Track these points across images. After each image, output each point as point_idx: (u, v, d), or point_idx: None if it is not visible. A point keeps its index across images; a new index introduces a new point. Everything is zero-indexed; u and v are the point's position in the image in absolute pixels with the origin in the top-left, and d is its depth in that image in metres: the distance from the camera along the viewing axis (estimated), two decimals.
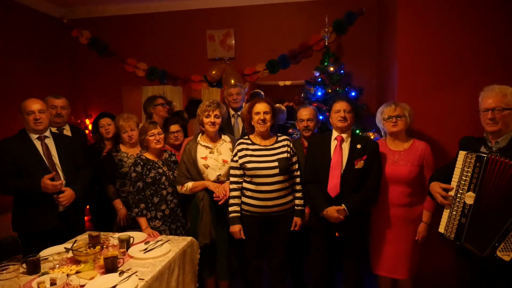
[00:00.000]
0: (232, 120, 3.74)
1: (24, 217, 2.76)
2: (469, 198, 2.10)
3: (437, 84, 3.06)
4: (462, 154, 2.17)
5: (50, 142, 2.86)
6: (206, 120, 2.86)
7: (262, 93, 4.88)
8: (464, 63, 3.00)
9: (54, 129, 3.23)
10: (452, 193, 2.19)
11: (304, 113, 3.12)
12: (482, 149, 2.21)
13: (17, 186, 2.70)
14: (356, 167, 2.57)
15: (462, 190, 2.13)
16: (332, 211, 2.56)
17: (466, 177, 2.12)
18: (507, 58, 2.93)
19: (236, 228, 2.76)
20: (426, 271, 3.06)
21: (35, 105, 2.76)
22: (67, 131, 3.45)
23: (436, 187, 2.28)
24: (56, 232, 2.74)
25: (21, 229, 2.81)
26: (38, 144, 2.79)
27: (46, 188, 2.65)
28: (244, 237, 2.78)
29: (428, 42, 3.06)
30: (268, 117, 2.75)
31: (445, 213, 2.24)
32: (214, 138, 2.95)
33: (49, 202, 2.74)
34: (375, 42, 4.41)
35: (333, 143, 2.69)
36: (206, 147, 2.91)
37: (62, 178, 2.80)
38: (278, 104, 4.54)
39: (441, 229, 2.24)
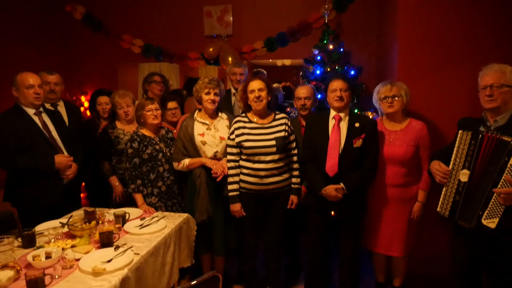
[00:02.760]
0: (233, 98, 3.70)
1: (27, 193, 2.73)
2: (464, 175, 2.11)
3: (437, 64, 3.01)
4: (459, 133, 2.17)
5: (46, 118, 2.85)
6: (205, 97, 2.82)
7: (265, 71, 4.82)
8: (464, 43, 2.96)
9: (48, 105, 3.19)
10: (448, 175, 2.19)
11: (302, 91, 3.08)
12: (481, 128, 2.20)
13: (27, 163, 2.66)
14: (354, 146, 2.56)
15: (457, 168, 2.14)
16: (330, 190, 2.55)
17: (461, 155, 2.13)
18: (508, 39, 2.89)
19: (237, 207, 2.76)
20: (421, 251, 3.08)
21: (34, 79, 2.73)
22: (61, 107, 3.41)
23: (435, 164, 2.28)
24: (60, 207, 2.74)
25: (23, 205, 2.79)
26: (36, 119, 2.77)
27: (61, 164, 2.72)
28: (245, 214, 2.78)
29: (429, 21, 3.00)
30: (263, 94, 2.72)
31: (443, 192, 2.25)
32: (212, 115, 2.93)
33: (54, 176, 2.75)
34: (375, 20, 4.33)
35: (331, 122, 2.66)
36: (203, 123, 2.88)
37: (65, 152, 2.82)
38: (275, 84, 4.48)
39: (438, 207, 2.25)
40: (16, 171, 2.75)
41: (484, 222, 2.00)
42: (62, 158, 2.73)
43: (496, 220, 1.97)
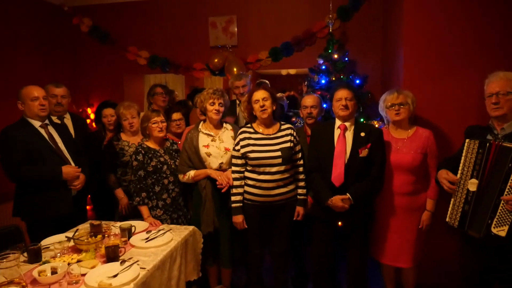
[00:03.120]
0: (238, 109, 3.70)
1: (36, 204, 2.73)
2: (472, 185, 2.08)
3: (443, 71, 3.00)
4: (466, 141, 2.15)
5: (52, 130, 2.87)
6: (210, 107, 2.82)
7: (267, 82, 4.83)
8: (470, 50, 2.94)
9: (54, 118, 3.21)
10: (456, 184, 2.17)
11: (308, 100, 3.07)
12: (488, 137, 2.18)
13: (34, 173, 2.69)
14: (360, 155, 2.53)
15: (465, 177, 2.12)
16: (337, 201, 2.53)
17: (469, 164, 2.11)
18: None
19: (239, 219, 2.74)
20: (430, 260, 3.04)
21: (38, 91, 2.77)
22: (67, 120, 3.43)
23: (443, 173, 2.26)
24: (68, 217, 2.76)
25: (32, 217, 2.79)
26: (42, 131, 2.79)
27: (68, 174, 2.74)
28: (247, 227, 2.76)
29: (434, 28, 2.99)
30: (267, 103, 2.71)
31: (451, 202, 2.22)
32: (217, 126, 2.92)
33: (63, 187, 2.76)
34: (380, 29, 4.33)
35: (336, 132, 2.65)
36: (208, 135, 2.87)
37: (72, 163, 2.84)
38: (279, 94, 4.47)
39: (447, 218, 2.22)
40: (24, 181, 2.75)
41: (494, 230, 1.97)
42: (70, 169, 2.75)
43: (506, 228, 1.94)
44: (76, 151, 2.96)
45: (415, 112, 2.77)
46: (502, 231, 1.95)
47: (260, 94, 2.73)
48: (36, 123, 2.78)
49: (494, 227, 1.97)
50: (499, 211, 1.96)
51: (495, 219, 1.97)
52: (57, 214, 2.75)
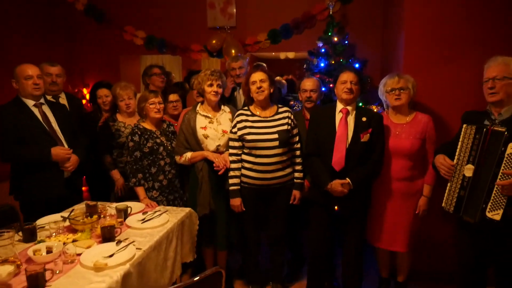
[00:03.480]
0: (235, 92, 3.65)
1: (28, 186, 2.73)
2: (468, 170, 2.08)
3: (444, 56, 2.98)
4: (463, 127, 2.14)
5: (46, 109, 2.82)
6: (208, 89, 2.79)
7: (264, 65, 4.76)
8: (471, 35, 2.92)
9: (49, 97, 3.16)
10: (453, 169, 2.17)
11: (308, 83, 3.04)
12: (486, 122, 2.16)
13: (24, 154, 2.66)
14: (362, 140, 2.52)
15: (461, 163, 2.12)
16: (336, 185, 2.52)
17: (466, 150, 2.10)
18: None
19: (237, 202, 2.74)
20: (425, 245, 3.06)
21: (32, 70, 2.71)
22: (62, 100, 3.38)
23: (441, 158, 2.25)
24: (61, 199, 2.73)
25: (24, 198, 2.79)
26: (36, 111, 2.75)
27: (58, 156, 2.68)
28: (244, 209, 2.76)
29: (435, 14, 2.96)
30: (264, 85, 2.68)
31: (448, 187, 2.22)
32: (215, 108, 2.89)
33: (55, 169, 2.73)
34: (381, 12, 4.26)
35: (338, 116, 2.62)
36: (206, 117, 2.85)
37: (65, 145, 2.80)
38: (278, 77, 4.42)
39: (443, 203, 2.22)
40: (15, 162, 2.74)
41: (488, 215, 1.98)
42: (59, 150, 2.70)
43: (501, 211, 1.95)
44: (71, 131, 2.92)
45: (415, 97, 2.75)
46: (496, 215, 1.95)
47: (257, 76, 2.70)
48: (30, 102, 2.73)
49: (488, 211, 1.98)
50: (493, 195, 1.96)
51: (490, 204, 1.97)
52: (49, 196, 2.73)
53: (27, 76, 2.67)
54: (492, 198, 1.97)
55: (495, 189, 1.96)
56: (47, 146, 2.67)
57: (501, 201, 1.94)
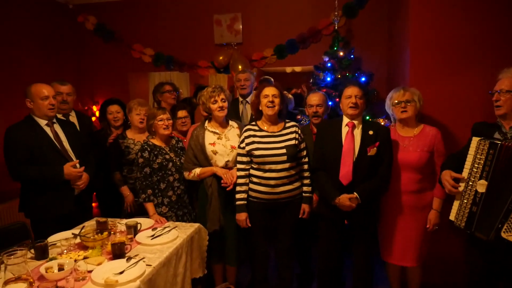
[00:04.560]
0: (241, 107, 3.69)
1: (39, 203, 2.74)
2: (481, 186, 2.03)
3: (449, 69, 2.98)
4: (475, 140, 2.09)
5: (58, 128, 2.86)
6: (214, 106, 2.82)
7: (272, 79, 4.81)
8: (476, 47, 2.92)
9: (60, 116, 3.22)
10: (462, 184, 2.13)
11: (314, 98, 3.06)
12: (496, 135, 2.14)
13: (36, 174, 2.67)
14: (368, 154, 2.52)
15: (474, 178, 2.07)
16: (344, 199, 2.51)
17: (478, 165, 2.05)
18: None
19: (242, 217, 2.74)
20: (435, 259, 3.02)
21: (48, 90, 2.76)
22: (72, 117, 3.44)
23: (446, 175, 2.22)
24: (71, 216, 2.75)
25: (35, 215, 2.79)
26: (48, 130, 2.78)
27: (70, 175, 2.71)
28: (250, 225, 2.76)
29: (440, 25, 2.97)
30: (276, 100, 2.70)
31: (456, 201, 2.18)
32: (222, 124, 2.92)
33: (65, 186, 2.75)
34: (386, 26, 4.30)
35: (344, 130, 2.63)
36: (214, 133, 2.87)
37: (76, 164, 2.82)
38: (285, 92, 4.44)
39: (452, 216, 2.19)
40: (26, 181, 2.76)
41: (503, 235, 1.93)
42: (72, 169, 2.73)
43: None
44: (81, 149, 2.95)
45: (422, 110, 2.75)
46: (511, 236, 1.91)
47: (271, 90, 2.71)
48: (42, 122, 2.77)
49: (504, 232, 1.93)
50: (511, 216, 1.91)
51: (506, 224, 1.92)
52: (59, 213, 2.74)
53: (44, 96, 2.71)
54: (509, 219, 1.92)
55: None
56: (58, 164, 2.70)
57: None
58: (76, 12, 5.15)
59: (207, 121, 2.95)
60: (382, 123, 3.26)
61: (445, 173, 2.24)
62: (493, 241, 2.00)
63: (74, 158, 2.84)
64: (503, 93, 2.06)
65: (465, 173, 2.12)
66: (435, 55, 3.00)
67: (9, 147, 2.66)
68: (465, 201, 2.11)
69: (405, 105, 2.62)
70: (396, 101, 2.66)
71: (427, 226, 2.65)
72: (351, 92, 2.59)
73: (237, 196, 2.75)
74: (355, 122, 2.61)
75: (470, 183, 2.09)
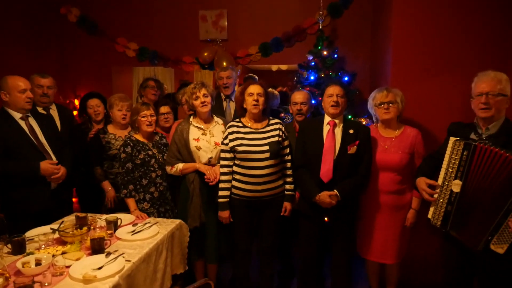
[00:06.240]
0: (224, 104, 3.68)
1: (14, 198, 2.68)
2: (456, 186, 2.07)
3: (431, 70, 3.04)
4: (451, 140, 2.13)
5: (33, 122, 2.80)
6: (196, 102, 2.81)
7: (256, 77, 4.82)
8: (458, 50, 2.98)
9: (40, 109, 3.17)
10: (438, 190, 2.17)
11: (298, 96, 3.08)
12: (472, 135, 2.17)
13: (11, 168, 2.61)
14: (349, 152, 2.56)
15: (449, 178, 2.11)
16: (324, 196, 2.55)
17: (454, 165, 2.09)
18: (501, 46, 2.91)
19: (225, 214, 2.75)
20: (413, 257, 3.08)
21: (25, 83, 2.70)
22: (53, 111, 3.38)
23: (421, 184, 2.26)
24: (48, 211, 2.71)
25: (10, 210, 2.72)
26: (22, 123, 2.72)
27: (47, 171, 2.66)
28: (232, 220, 2.77)
29: (423, 27, 3.02)
30: (261, 100, 2.71)
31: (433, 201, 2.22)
32: (207, 120, 2.91)
33: (41, 181, 2.70)
34: (369, 27, 4.35)
35: (326, 128, 2.66)
36: (199, 128, 2.87)
37: (53, 157, 2.77)
38: (271, 89, 4.48)
39: (429, 215, 2.23)
40: (2, 176, 2.66)
41: (492, 247, 1.95)
42: (49, 165, 2.68)
43: (506, 246, 1.91)
44: (59, 143, 2.90)
45: (404, 111, 2.80)
46: (500, 249, 1.93)
47: (256, 89, 2.72)
48: (17, 115, 2.70)
49: (493, 244, 1.95)
50: (501, 230, 1.93)
51: (496, 237, 1.94)
52: (35, 209, 2.69)
53: (21, 90, 2.66)
54: (499, 232, 1.93)
55: (505, 224, 1.91)
56: (34, 159, 2.65)
57: (509, 237, 1.91)
58: (59, 4, 5.03)
59: (192, 116, 2.94)
60: (364, 123, 3.30)
61: (420, 181, 2.29)
62: (482, 252, 2.01)
63: (50, 152, 2.78)
64: (492, 96, 2.07)
65: (442, 173, 2.15)
66: (416, 56, 3.05)
67: None
68: (441, 200, 2.15)
69: (388, 106, 2.66)
70: (379, 102, 2.69)
71: (405, 224, 2.71)
72: (332, 91, 2.62)
73: (220, 193, 2.75)
74: (336, 121, 2.64)
75: (446, 182, 2.13)
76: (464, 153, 2.04)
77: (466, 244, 2.11)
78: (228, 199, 2.76)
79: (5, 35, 4.42)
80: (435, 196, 2.18)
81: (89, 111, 3.47)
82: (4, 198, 2.72)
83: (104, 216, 2.57)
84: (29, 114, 2.79)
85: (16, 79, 2.69)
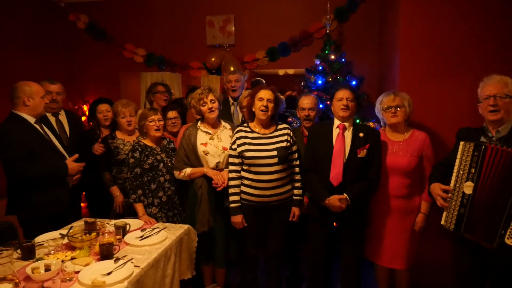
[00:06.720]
0: (232, 108, 3.69)
1: (32, 202, 2.65)
2: (468, 188, 2.07)
3: (439, 73, 3.02)
4: (461, 143, 2.13)
5: (44, 126, 2.83)
6: (204, 108, 2.82)
7: (264, 81, 4.82)
8: (466, 53, 2.97)
9: (49, 115, 3.20)
10: (450, 194, 2.16)
11: (306, 101, 3.07)
12: (482, 139, 2.17)
13: (41, 171, 2.62)
14: (358, 155, 2.54)
15: (461, 180, 2.10)
16: (334, 200, 2.53)
17: (464, 167, 2.09)
18: (509, 49, 2.89)
19: (238, 219, 2.73)
20: (424, 262, 3.05)
21: (43, 89, 2.77)
22: (62, 117, 3.41)
23: (437, 189, 2.24)
24: (61, 215, 2.74)
25: (29, 214, 2.68)
26: (37, 127, 2.75)
27: (73, 170, 2.75)
28: (246, 225, 2.76)
29: (430, 31, 3.01)
30: (270, 106, 2.70)
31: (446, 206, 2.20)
32: (215, 124, 2.92)
33: (60, 184, 2.74)
34: (376, 31, 4.35)
35: (335, 132, 2.65)
36: (207, 133, 2.87)
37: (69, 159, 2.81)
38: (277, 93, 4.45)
39: (442, 221, 2.21)
40: (24, 180, 2.64)
41: (507, 241, 1.93)
42: (74, 164, 2.76)
43: None
44: (68, 148, 2.93)
45: (412, 115, 2.78)
46: None
47: (266, 94, 2.70)
48: (32, 119, 2.72)
49: (508, 238, 1.93)
50: None
51: (509, 230, 1.92)
52: (54, 212, 2.70)
53: (43, 95, 2.74)
54: None
55: None
56: (56, 160, 2.70)
57: None
58: (67, 11, 5.09)
59: (199, 121, 2.94)
60: (372, 127, 3.28)
61: (435, 186, 2.27)
62: (498, 249, 1.99)
63: (66, 155, 2.82)
64: (500, 98, 2.10)
65: (453, 177, 2.14)
66: (424, 59, 3.04)
67: (6, 145, 2.56)
68: (453, 203, 2.13)
69: (395, 110, 2.65)
70: (386, 106, 2.68)
71: (414, 228, 2.68)
72: (342, 95, 2.61)
73: (231, 198, 2.74)
74: (346, 124, 2.63)
75: (457, 185, 2.12)
76: (475, 154, 2.05)
77: (481, 244, 2.09)
78: (239, 204, 2.74)
79: (14, 42, 4.48)
80: (448, 200, 2.16)
81: (98, 116, 3.51)
82: (23, 202, 2.68)
83: (113, 221, 2.57)
84: (39, 120, 2.82)
85: (36, 84, 2.74)
